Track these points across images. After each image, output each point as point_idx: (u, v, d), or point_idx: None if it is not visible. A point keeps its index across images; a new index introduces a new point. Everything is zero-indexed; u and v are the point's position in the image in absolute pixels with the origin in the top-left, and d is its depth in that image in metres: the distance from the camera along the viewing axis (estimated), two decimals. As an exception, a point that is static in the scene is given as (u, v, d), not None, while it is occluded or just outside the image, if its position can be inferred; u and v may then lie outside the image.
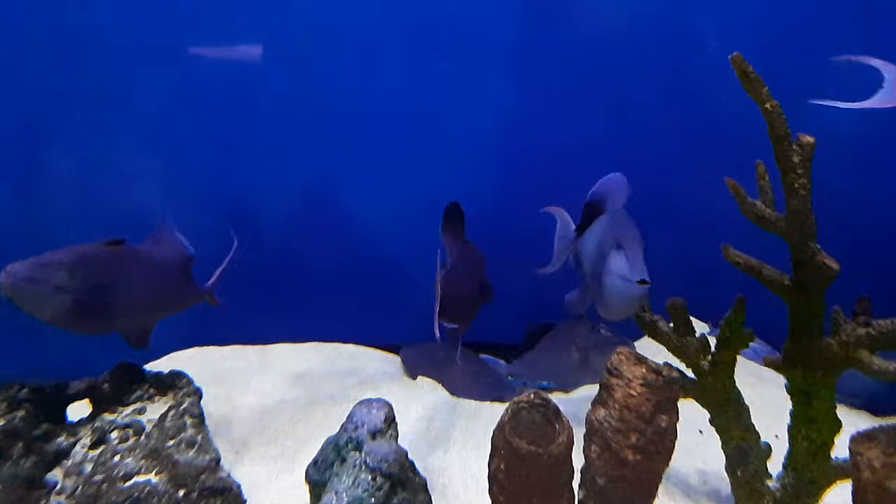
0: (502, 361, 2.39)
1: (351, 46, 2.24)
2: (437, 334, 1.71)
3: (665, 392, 1.20)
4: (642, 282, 1.52)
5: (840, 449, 1.25)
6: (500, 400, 2.09)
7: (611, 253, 1.62)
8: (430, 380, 2.24)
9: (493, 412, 2.00)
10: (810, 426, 1.34)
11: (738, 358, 1.48)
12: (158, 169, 2.23)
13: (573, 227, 1.87)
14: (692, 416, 1.61)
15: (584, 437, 1.25)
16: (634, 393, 1.19)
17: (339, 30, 2.22)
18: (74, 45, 2.10)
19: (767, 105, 1.27)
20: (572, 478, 1.17)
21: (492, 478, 1.16)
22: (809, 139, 1.26)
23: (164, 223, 1.78)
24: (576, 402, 2.08)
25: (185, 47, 2.17)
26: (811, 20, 2.23)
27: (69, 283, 1.46)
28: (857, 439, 1.04)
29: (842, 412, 1.37)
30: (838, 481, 1.34)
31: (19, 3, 1.99)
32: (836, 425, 1.34)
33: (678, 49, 2.26)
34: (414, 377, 2.28)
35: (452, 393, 2.16)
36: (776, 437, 1.59)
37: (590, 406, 1.27)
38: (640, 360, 1.23)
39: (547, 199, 2.36)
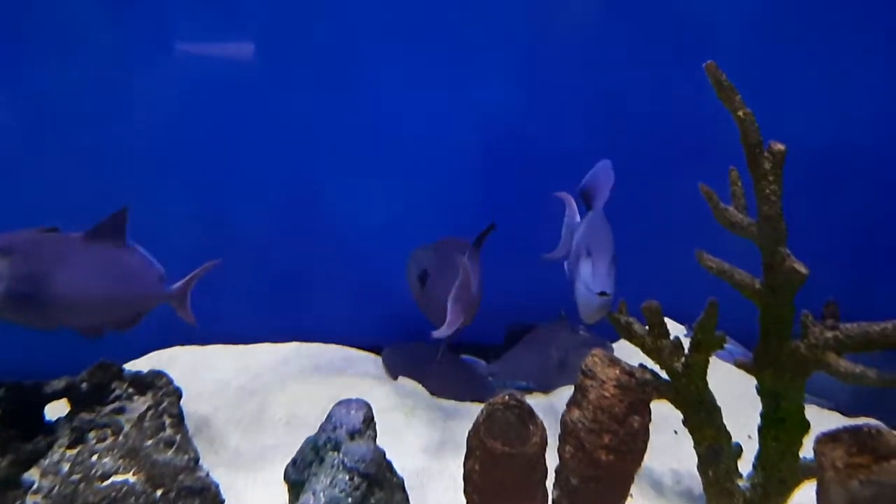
0: (482, 362, 2.41)
1: (340, 47, 2.24)
2: (447, 336, 1.71)
3: (638, 393, 1.23)
4: (602, 293, 1.55)
5: (809, 449, 1.28)
6: (480, 400, 2.11)
7: (581, 259, 1.65)
8: (410, 380, 2.25)
9: (472, 412, 2.01)
10: (779, 427, 1.38)
11: (713, 359, 1.51)
12: (138, 167, 2.22)
13: (578, 217, 1.90)
14: (667, 417, 1.64)
15: (559, 437, 1.28)
16: (608, 394, 1.22)
17: (331, 30, 2.22)
18: (54, 39, 2.09)
19: (740, 112, 1.31)
20: (546, 477, 1.19)
21: (467, 478, 1.18)
22: (780, 146, 1.29)
23: (116, 216, 1.67)
24: (555, 403, 2.11)
25: (174, 45, 2.17)
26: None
27: (2, 273, 1.40)
28: (822, 440, 1.07)
29: (814, 413, 1.40)
30: (807, 481, 1.38)
31: None
32: (805, 426, 1.37)
33: (670, 50, 2.28)
34: (395, 378, 2.29)
35: (432, 393, 2.18)
36: (749, 437, 1.62)
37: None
38: (614, 361, 1.26)
39: (531, 200, 2.39)
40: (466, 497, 1.19)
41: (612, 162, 1.82)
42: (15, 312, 1.46)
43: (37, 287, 1.46)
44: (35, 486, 1.36)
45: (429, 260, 2.00)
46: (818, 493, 1.07)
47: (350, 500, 1.23)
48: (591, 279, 1.57)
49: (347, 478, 1.26)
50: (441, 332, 1.72)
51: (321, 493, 1.24)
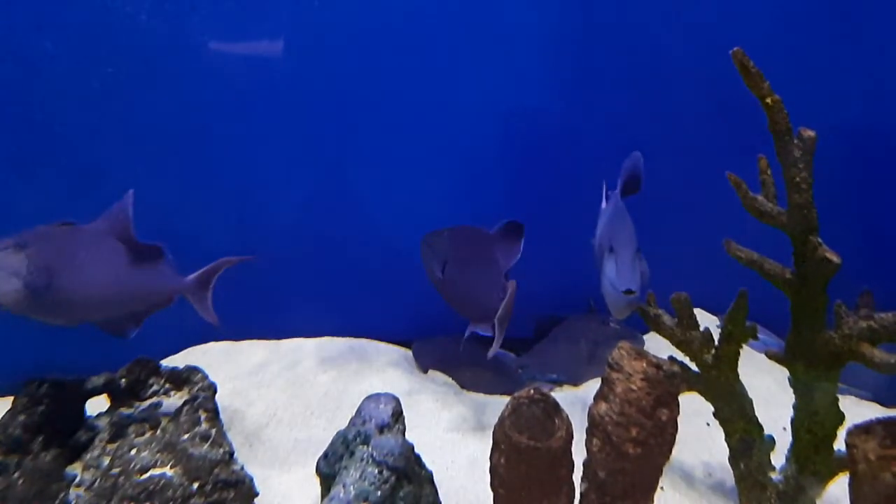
0: (512, 354, 2.41)
1: (356, 45, 2.25)
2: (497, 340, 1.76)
3: (665, 386, 1.22)
4: (628, 291, 1.53)
5: (843, 441, 1.26)
6: (510, 393, 2.11)
7: (605, 255, 1.63)
8: (440, 374, 2.27)
9: (501, 406, 2.02)
10: (813, 419, 1.36)
11: (747, 350, 1.49)
12: (164, 167, 2.26)
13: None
14: (699, 409, 1.62)
15: (587, 430, 1.27)
16: (635, 387, 1.21)
17: (346, 29, 2.24)
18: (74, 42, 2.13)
19: (768, 100, 1.28)
20: (572, 471, 1.19)
21: (493, 471, 1.18)
22: (810, 133, 1.27)
23: (122, 205, 1.65)
24: (585, 396, 2.10)
25: (204, 43, 2.20)
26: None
27: (19, 267, 1.41)
28: (854, 432, 1.05)
29: (850, 404, 1.38)
30: (841, 473, 1.35)
31: None
32: (839, 417, 1.35)
33: (695, 43, 2.25)
34: (425, 371, 2.31)
35: (462, 386, 2.19)
36: (784, 429, 1.59)
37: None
38: (641, 354, 1.25)
39: (558, 193, 2.38)
40: (493, 490, 1.20)
41: (641, 153, 1.81)
42: (34, 307, 1.47)
43: (52, 280, 1.47)
44: (77, 480, 1.41)
45: (445, 248, 2.01)
46: (851, 485, 1.05)
47: (379, 493, 1.25)
48: (616, 277, 1.56)
49: (377, 471, 1.28)
50: (490, 353, 1.80)
51: (351, 486, 1.27)
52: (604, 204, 1.98)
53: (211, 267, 1.83)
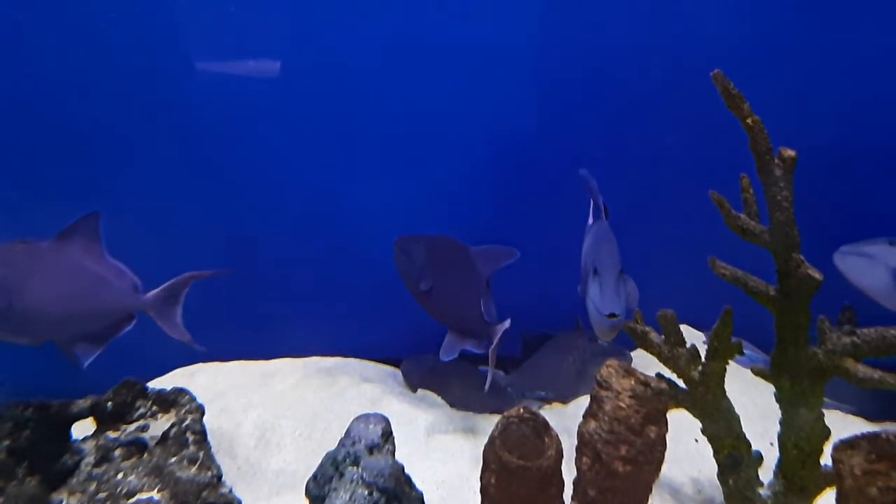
0: (501, 372, 2.41)
1: (350, 57, 2.26)
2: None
3: (654, 403, 1.23)
4: (611, 315, 1.54)
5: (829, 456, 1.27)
6: (500, 412, 2.12)
7: (589, 278, 1.65)
8: (430, 392, 2.27)
9: (491, 424, 2.02)
10: (799, 434, 1.37)
11: (734, 366, 1.50)
12: (155, 186, 2.26)
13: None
14: (687, 426, 1.63)
15: (576, 448, 1.28)
16: (623, 405, 1.22)
17: (347, 45, 2.25)
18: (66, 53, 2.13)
19: (749, 120, 1.31)
20: (562, 490, 1.20)
21: (483, 491, 1.18)
22: (791, 153, 1.29)
23: (86, 219, 1.65)
24: (574, 413, 2.10)
25: (191, 62, 2.20)
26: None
27: None
28: (840, 447, 1.06)
29: (836, 419, 1.39)
30: (828, 488, 1.36)
31: None
32: (825, 433, 1.36)
33: (676, 59, 2.28)
34: (414, 390, 2.30)
35: (452, 405, 2.19)
36: (771, 444, 1.61)
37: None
38: (629, 372, 1.26)
39: (544, 208, 2.40)
40: (484, 510, 1.20)
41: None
42: None
43: (12, 301, 1.46)
44: (63, 505, 1.39)
45: (422, 257, 2.04)
46: (837, 500, 1.06)
47: (369, 514, 1.24)
48: (599, 301, 1.57)
49: (367, 492, 1.28)
50: (486, 387, 1.87)
51: (341, 508, 1.26)
52: (590, 220, 2.00)
53: (174, 282, 1.78)
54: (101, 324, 1.71)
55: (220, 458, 1.68)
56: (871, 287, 1.75)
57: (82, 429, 1.57)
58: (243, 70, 2.23)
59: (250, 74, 2.24)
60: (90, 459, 1.49)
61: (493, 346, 1.83)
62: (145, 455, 1.48)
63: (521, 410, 1.17)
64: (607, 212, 1.90)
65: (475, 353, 2.02)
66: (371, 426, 1.44)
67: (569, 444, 1.27)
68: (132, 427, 1.61)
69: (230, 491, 1.43)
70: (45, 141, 2.18)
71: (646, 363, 1.80)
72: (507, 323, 1.84)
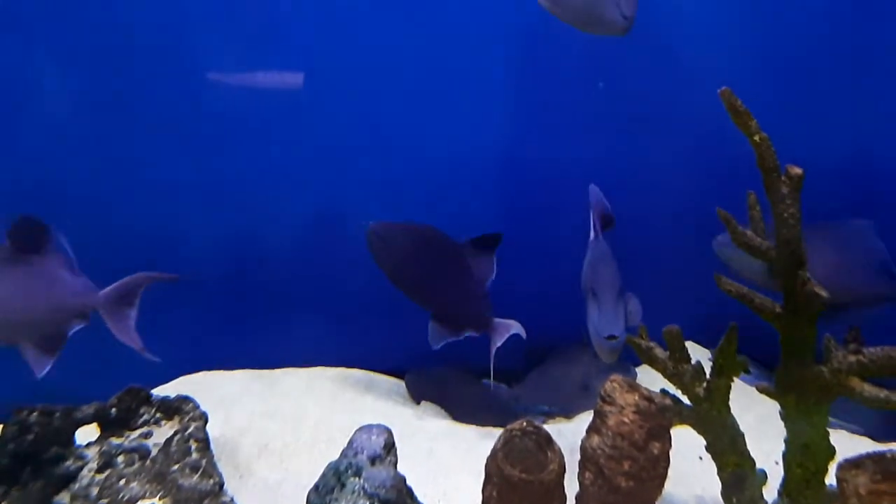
0: (504, 386, 2.40)
1: (350, 62, 2.27)
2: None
3: (657, 419, 1.23)
4: (610, 337, 1.54)
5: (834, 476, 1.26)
6: (502, 425, 2.10)
7: (588, 298, 1.64)
8: (433, 405, 2.26)
9: (494, 437, 2.01)
10: (804, 453, 1.36)
11: (739, 383, 1.50)
12: (161, 194, 2.27)
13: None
14: (692, 443, 1.62)
15: (579, 463, 1.27)
16: (627, 420, 1.22)
17: (351, 58, 2.26)
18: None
19: (756, 137, 1.31)
20: (565, 504, 1.19)
21: (485, 504, 1.18)
22: (797, 171, 1.29)
23: (30, 218, 1.59)
24: (577, 428, 2.09)
25: (201, 72, 2.22)
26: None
27: None
28: (844, 466, 1.06)
29: (842, 438, 1.38)
30: (833, 508, 1.35)
31: None
32: (830, 452, 1.35)
33: (682, 68, 2.28)
34: (418, 402, 2.30)
35: (455, 418, 2.18)
36: (776, 463, 1.59)
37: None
38: (633, 387, 1.26)
39: (548, 219, 2.39)
40: (486, 523, 1.20)
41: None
42: None
43: None
44: (65, 510, 1.39)
45: (403, 245, 2.04)
46: (842, 521, 1.06)
47: (370, 525, 1.24)
48: (599, 322, 1.57)
49: (368, 503, 1.27)
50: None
51: (342, 519, 1.26)
52: (592, 235, 1.99)
53: (127, 281, 1.71)
54: (53, 324, 1.65)
55: (223, 467, 1.68)
56: (749, 269, 1.70)
57: (86, 434, 1.58)
58: (268, 82, 2.24)
59: (276, 87, 2.25)
60: (93, 465, 1.49)
61: (494, 345, 1.78)
62: (148, 462, 1.49)
63: (524, 424, 1.17)
64: (613, 222, 1.88)
65: (474, 354, 2.00)
66: (373, 437, 1.44)
67: (571, 459, 1.26)
68: (136, 434, 1.62)
69: (231, 500, 1.43)
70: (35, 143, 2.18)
71: (650, 379, 1.79)
72: (515, 325, 1.81)
